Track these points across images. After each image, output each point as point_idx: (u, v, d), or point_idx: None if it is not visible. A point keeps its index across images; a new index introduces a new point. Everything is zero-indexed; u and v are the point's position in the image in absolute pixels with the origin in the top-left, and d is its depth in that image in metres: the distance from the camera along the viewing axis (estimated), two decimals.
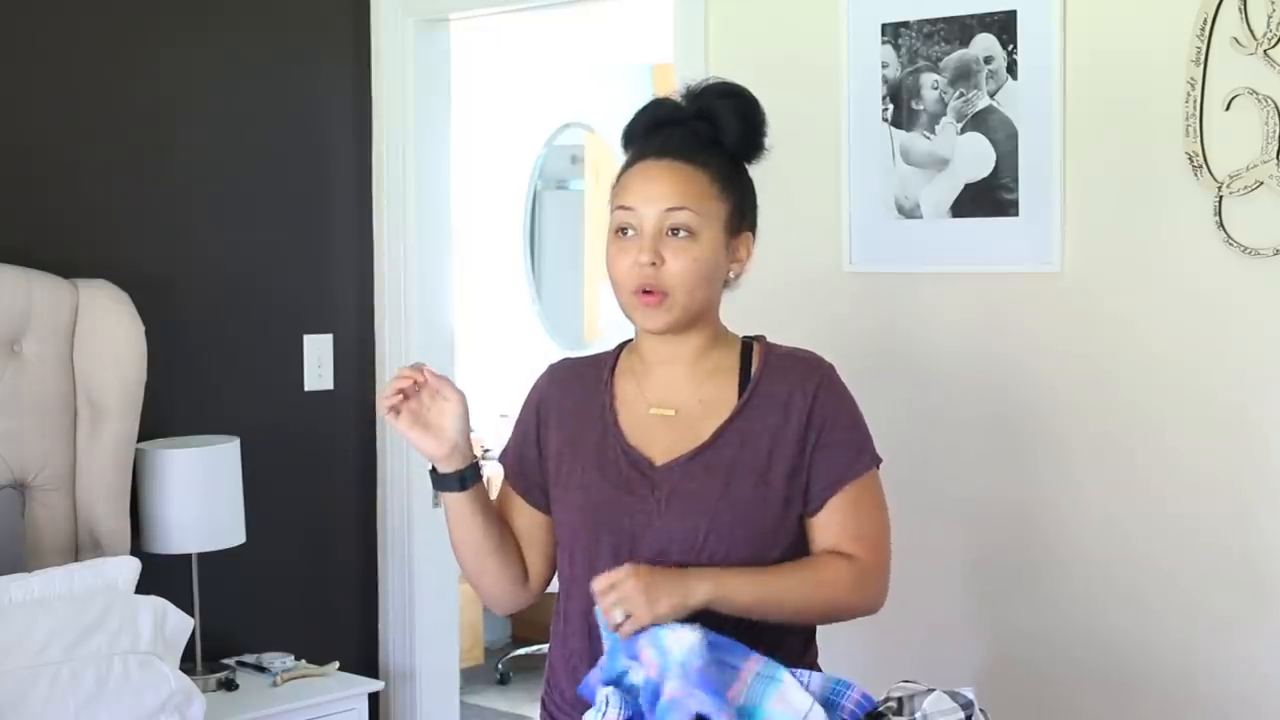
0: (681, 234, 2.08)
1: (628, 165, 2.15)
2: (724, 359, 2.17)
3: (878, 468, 2.16)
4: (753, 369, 2.15)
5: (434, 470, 2.14)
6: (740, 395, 2.13)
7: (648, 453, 2.13)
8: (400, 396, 2.08)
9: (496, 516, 2.21)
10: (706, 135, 2.13)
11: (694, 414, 2.14)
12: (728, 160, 2.14)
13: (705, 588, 2.00)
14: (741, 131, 2.14)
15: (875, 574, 2.14)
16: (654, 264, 2.07)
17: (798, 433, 2.10)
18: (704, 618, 1.99)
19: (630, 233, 2.10)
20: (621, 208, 2.11)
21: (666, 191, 2.08)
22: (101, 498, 3.33)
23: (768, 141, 2.17)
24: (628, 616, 1.96)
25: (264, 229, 3.90)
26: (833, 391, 2.14)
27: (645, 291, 2.08)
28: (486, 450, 5.97)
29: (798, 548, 2.12)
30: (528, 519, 2.24)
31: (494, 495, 2.25)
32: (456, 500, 2.14)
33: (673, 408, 2.15)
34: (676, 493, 2.09)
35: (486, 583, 2.23)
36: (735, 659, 1.97)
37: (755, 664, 1.97)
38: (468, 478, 2.13)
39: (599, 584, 1.99)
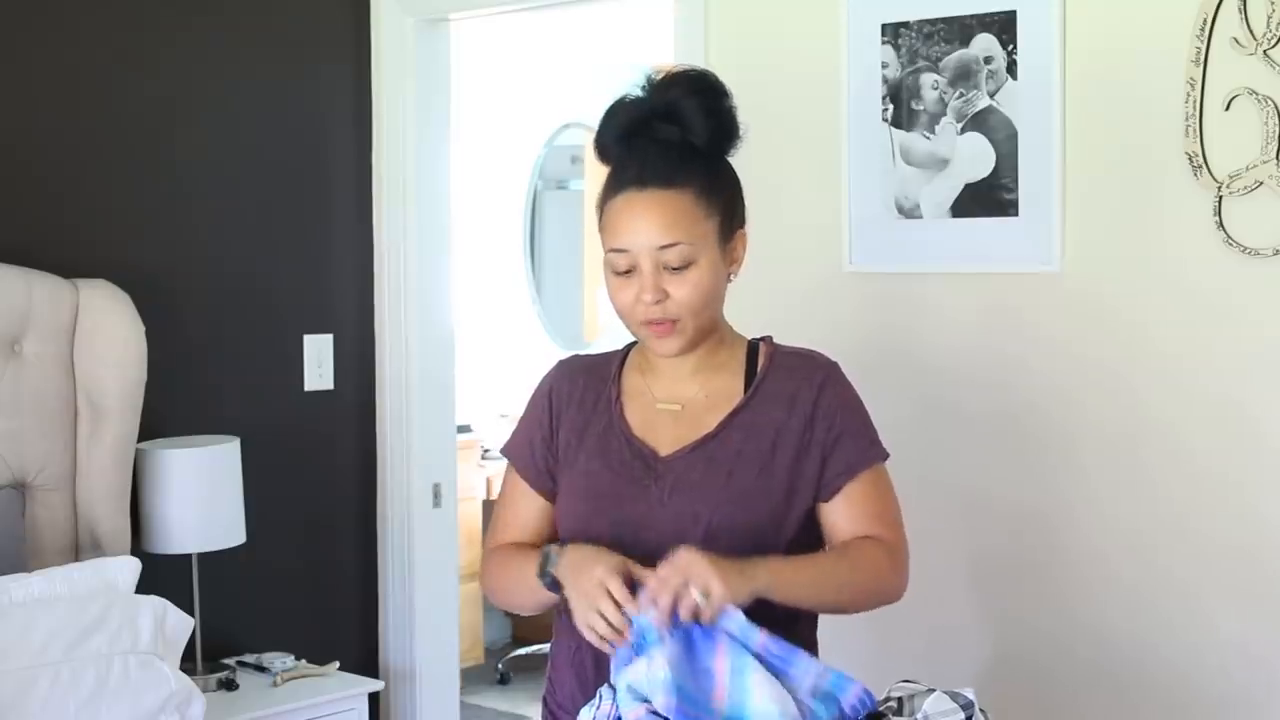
0: (679, 265, 2.07)
1: (608, 195, 2.12)
2: (730, 356, 2.19)
3: (884, 462, 2.18)
4: (759, 365, 2.18)
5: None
6: (746, 390, 2.15)
7: (653, 444, 2.14)
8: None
9: None
10: (678, 140, 2.10)
11: (699, 406, 2.16)
12: (704, 166, 2.11)
13: (764, 575, 1.99)
14: (711, 128, 2.11)
15: (904, 553, 2.17)
16: (658, 301, 2.07)
17: (801, 425, 2.12)
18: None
19: (628, 270, 2.09)
20: (614, 250, 2.09)
21: (655, 227, 2.06)
22: (101, 498, 3.33)
23: (741, 129, 2.14)
24: (705, 599, 1.91)
25: (264, 229, 3.89)
26: (838, 387, 2.17)
27: (654, 323, 2.09)
28: (487, 450, 5.98)
29: (801, 542, 2.12)
30: (536, 508, 2.24)
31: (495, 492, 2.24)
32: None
33: (679, 403, 2.17)
34: (679, 483, 2.10)
35: (526, 609, 2.23)
36: (708, 659, 1.93)
37: (724, 656, 1.92)
38: None
39: (663, 572, 1.93)
